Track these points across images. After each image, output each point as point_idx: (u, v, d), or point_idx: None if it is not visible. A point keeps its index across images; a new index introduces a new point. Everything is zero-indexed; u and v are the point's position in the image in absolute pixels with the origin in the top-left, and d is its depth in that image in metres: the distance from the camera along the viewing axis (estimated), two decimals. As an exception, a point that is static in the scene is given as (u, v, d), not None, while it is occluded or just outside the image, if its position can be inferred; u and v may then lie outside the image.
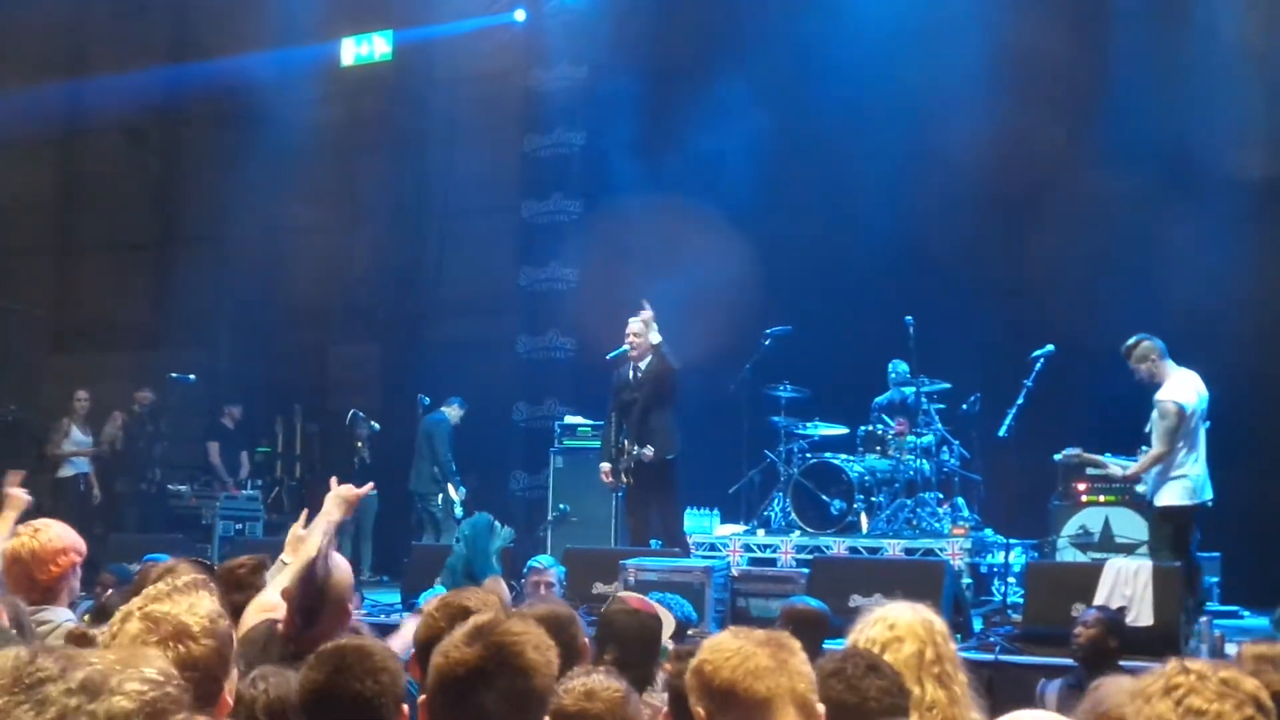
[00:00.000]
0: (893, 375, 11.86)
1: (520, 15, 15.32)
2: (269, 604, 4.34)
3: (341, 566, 4.20)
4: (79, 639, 3.23)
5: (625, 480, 10.48)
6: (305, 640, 3.65)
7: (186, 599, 2.72)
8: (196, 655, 2.58)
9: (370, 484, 5.43)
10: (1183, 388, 8.87)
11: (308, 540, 4.85)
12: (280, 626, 4.07)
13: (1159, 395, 8.86)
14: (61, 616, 4.58)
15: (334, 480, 5.21)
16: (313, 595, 4.02)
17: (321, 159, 16.02)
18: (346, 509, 5.05)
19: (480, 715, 2.56)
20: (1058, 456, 10.51)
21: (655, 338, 10.42)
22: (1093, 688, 3.50)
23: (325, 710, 2.88)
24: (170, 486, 14.91)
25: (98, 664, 1.89)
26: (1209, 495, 8.84)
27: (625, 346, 10.62)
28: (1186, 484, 8.77)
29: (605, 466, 10.63)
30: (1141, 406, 9.41)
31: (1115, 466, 9.48)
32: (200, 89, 17.83)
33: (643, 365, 10.55)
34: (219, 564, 5.88)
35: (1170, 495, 8.81)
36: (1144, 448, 9.17)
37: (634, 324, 10.56)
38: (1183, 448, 8.76)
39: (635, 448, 10.36)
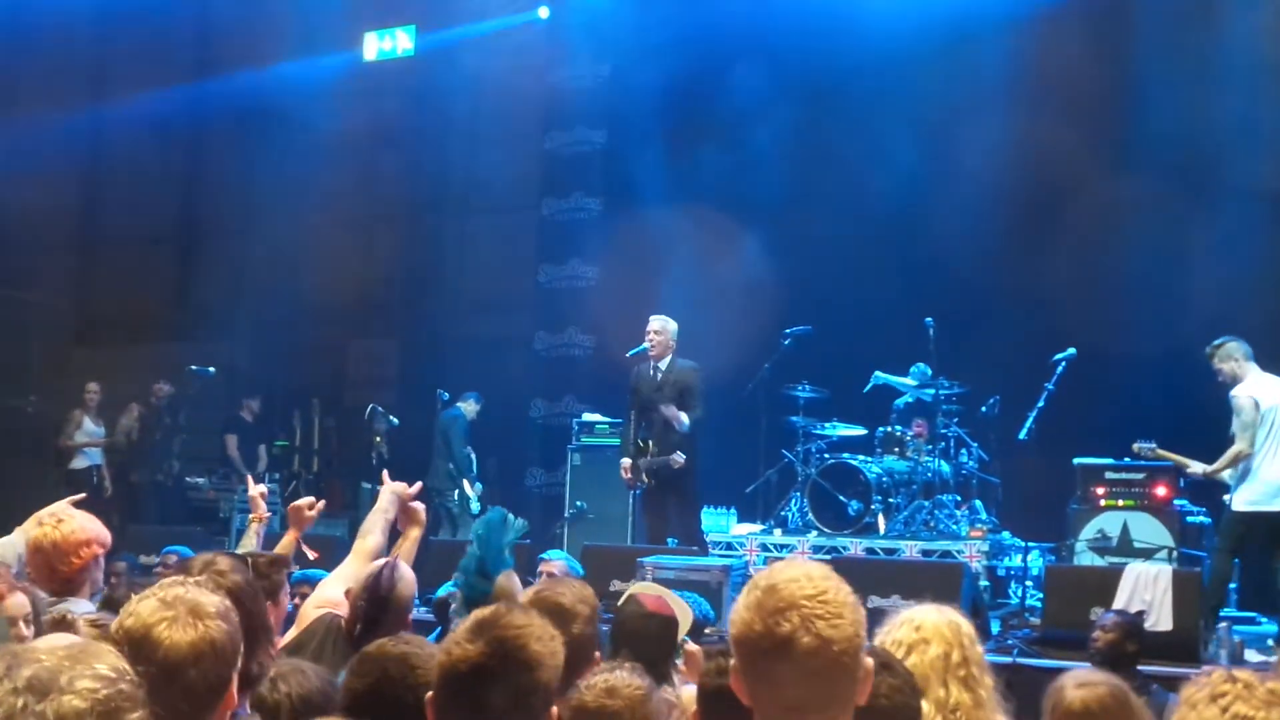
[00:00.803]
0: (915, 380, 11.80)
1: (544, 13, 15.34)
2: (330, 600, 4.34)
3: (406, 578, 4.22)
4: (60, 624, 3.23)
5: (645, 479, 10.49)
6: (364, 645, 3.66)
7: (199, 587, 2.65)
8: (214, 636, 2.49)
9: (419, 483, 5.51)
10: (1261, 386, 8.84)
11: (368, 539, 4.91)
12: (343, 623, 4.07)
13: (1234, 391, 8.86)
14: (81, 609, 4.57)
15: (385, 475, 5.28)
16: (377, 604, 4.03)
17: (343, 154, 16.04)
18: (400, 506, 5.13)
19: (486, 712, 2.54)
20: (1084, 465, 10.48)
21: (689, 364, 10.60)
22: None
23: (366, 716, 2.87)
24: (188, 479, 14.95)
25: (46, 661, 1.80)
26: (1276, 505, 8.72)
27: (645, 345, 10.64)
28: (1261, 487, 8.74)
29: (626, 463, 10.64)
30: (1164, 411, 9.40)
31: (1196, 465, 9.39)
32: (225, 86, 17.90)
33: (663, 365, 10.60)
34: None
35: (1244, 497, 8.78)
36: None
37: (654, 322, 10.59)
38: (1267, 448, 8.72)
39: (657, 450, 10.40)
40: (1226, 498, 9.11)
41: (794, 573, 2.22)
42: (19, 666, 1.77)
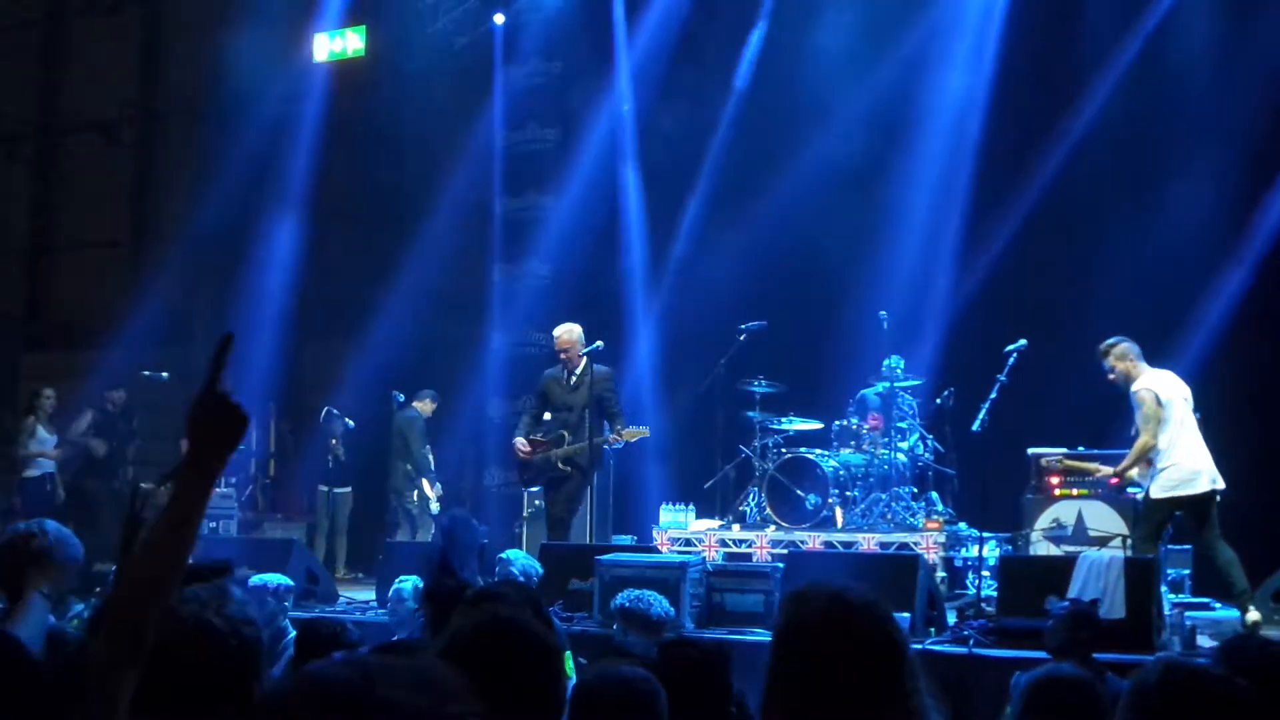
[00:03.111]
0: (885, 370, 11.72)
1: (500, 19, 15.25)
2: None
3: None
4: None
5: (561, 465, 10.77)
6: None
7: None
8: None
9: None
10: (1157, 380, 9.01)
11: None
12: None
13: (1134, 387, 9.03)
14: None
15: None
16: None
17: (295, 155, 15.96)
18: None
19: None
20: (1038, 455, 10.57)
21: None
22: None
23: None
24: (144, 485, 14.79)
25: None
26: (1198, 489, 8.89)
27: (598, 344, 10.82)
28: (1168, 475, 8.92)
29: (520, 442, 10.98)
30: (1114, 400, 9.49)
31: (1105, 469, 9.55)
32: (174, 86, 17.78)
33: (577, 370, 10.88)
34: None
35: (1161, 484, 8.95)
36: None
37: (560, 333, 10.97)
38: (1175, 436, 8.90)
39: (572, 440, 10.74)
40: (1139, 490, 9.33)
41: None
42: None
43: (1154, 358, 9.32)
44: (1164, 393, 8.98)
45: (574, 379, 10.87)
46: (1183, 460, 8.92)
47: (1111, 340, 9.19)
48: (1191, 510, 8.97)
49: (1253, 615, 8.49)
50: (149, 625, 2.36)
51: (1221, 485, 8.95)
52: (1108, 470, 9.49)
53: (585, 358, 10.81)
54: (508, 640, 2.64)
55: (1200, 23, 11.94)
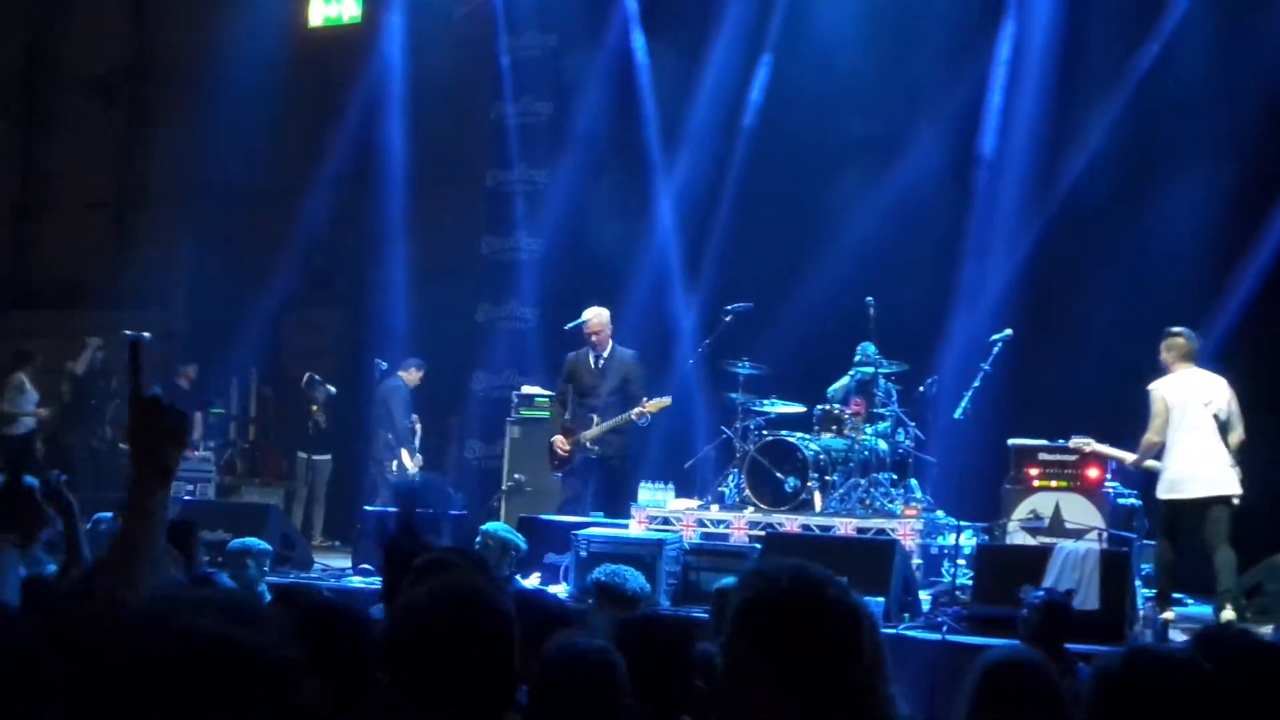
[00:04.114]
0: (859, 358, 11.71)
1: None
2: None
3: None
4: None
5: (589, 446, 10.87)
6: None
7: None
8: None
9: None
10: (1175, 384, 9.10)
11: None
12: None
13: (1151, 385, 9.16)
14: None
15: None
16: None
17: (286, 121, 15.89)
18: None
19: None
20: (1018, 445, 10.59)
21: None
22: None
23: None
24: (122, 445, 14.77)
25: None
26: (1192, 493, 8.95)
27: (583, 319, 10.97)
28: (1167, 477, 9.06)
29: (560, 440, 11.04)
30: (1098, 393, 9.51)
31: (1128, 456, 9.63)
32: (165, 48, 17.67)
33: (604, 353, 11.02)
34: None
35: (1160, 486, 9.13)
36: None
37: (590, 316, 11.02)
38: (1172, 440, 9.02)
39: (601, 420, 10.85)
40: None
41: None
42: None
43: (1148, 358, 9.32)
44: (1175, 396, 9.04)
45: (601, 362, 11.06)
46: (1178, 464, 9.01)
47: (1171, 330, 9.26)
48: (1183, 512, 9.01)
49: (1227, 614, 8.53)
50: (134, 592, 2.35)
51: (1226, 492, 8.92)
52: (1130, 458, 9.58)
53: (612, 341, 11.05)
54: (462, 607, 2.62)
55: (1209, 25, 11.92)
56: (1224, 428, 8.99)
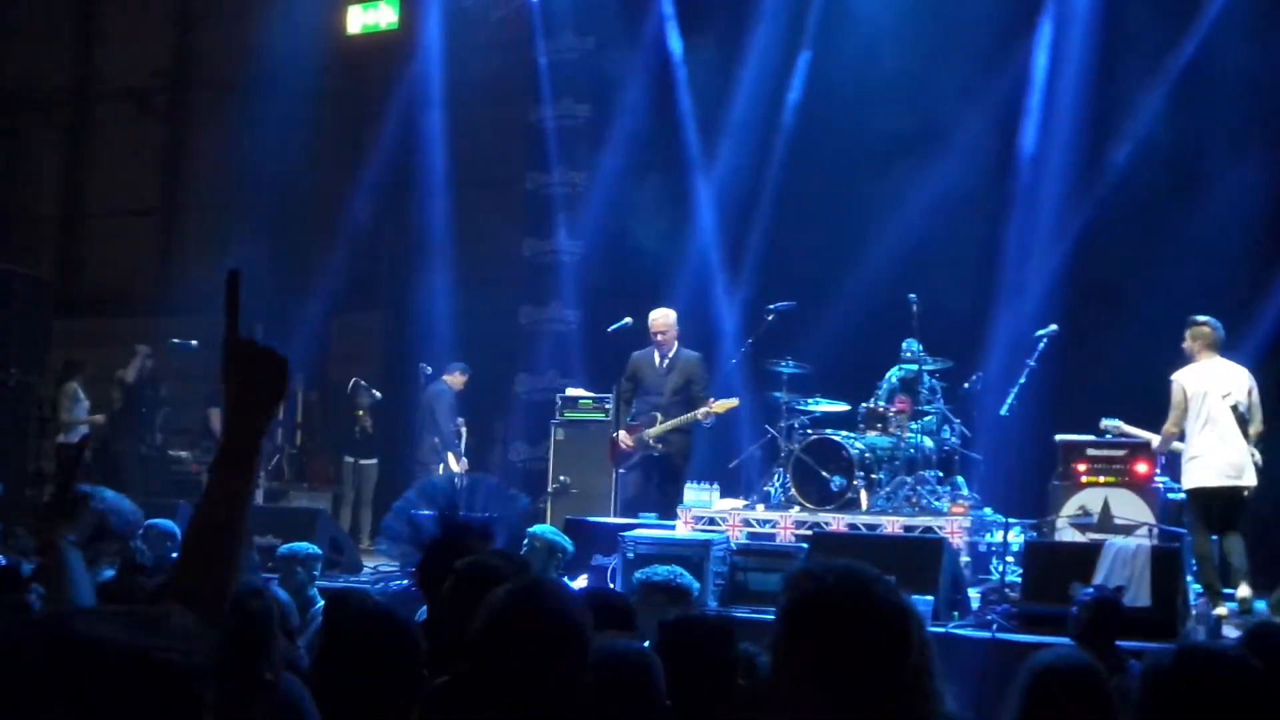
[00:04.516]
0: (905, 354, 11.67)
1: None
2: None
3: None
4: None
5: (652, 443, 11.08)
6: None
7: None
8: None
9: None
10: (1196, 374, 9.10)
11: None
12: None
13: (1173, 375, 9.19)
14: None
15: None
16: None
17: (327, 127, 16.00)
18: None
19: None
20: (1066, 441, 10.53)
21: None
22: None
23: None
24: (171, 452, 14.94)
25: None
26: (1211, 481, 8.94)
27: (627, 320, 11.23)
28: (1189, 467, 9.09)
29: (623, 434, 11.17)
30: (1143, 387, 9.45)
31: (1155, 438, 9.71)
32: (206, 56, 17.81)
33: (669, 354, 11.19)
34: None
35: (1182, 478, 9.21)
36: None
37: (657, 317, 11.16)
38: (1190, 431, 9.04)
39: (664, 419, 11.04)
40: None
41: None
42: None
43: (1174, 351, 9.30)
44: (1194, 386, 9.05)
45: (666, 362, 11.20)
46: (1197, 453, 9.05)
47: (1195, 319, 9.26)
48: (1214, 501, 9.01)
49: (1220, 610, 8.47)
50: (220, 595, 2.18)
51: (1242, 483, 8.93)
52: (1157, 439, 9.66)
53: (678, 342, 11.21)
54: (543, 607, 2.66)
55: (1251, 13, 11.82)
56: (1243, 419, 9.00)
